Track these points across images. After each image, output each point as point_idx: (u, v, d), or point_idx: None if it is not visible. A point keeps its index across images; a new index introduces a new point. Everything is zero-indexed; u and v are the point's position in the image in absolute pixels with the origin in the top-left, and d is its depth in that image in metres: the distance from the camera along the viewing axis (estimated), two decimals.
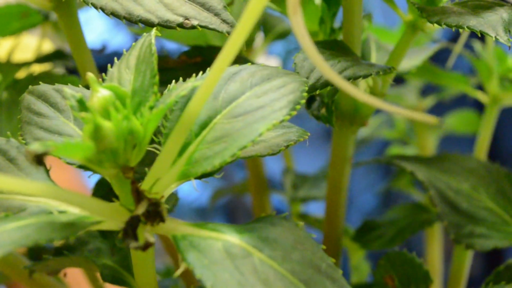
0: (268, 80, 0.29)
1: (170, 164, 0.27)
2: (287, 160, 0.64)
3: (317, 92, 0.35)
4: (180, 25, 0.33)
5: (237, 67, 0.30)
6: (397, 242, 0.47)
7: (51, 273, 0.41)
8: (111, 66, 0.30)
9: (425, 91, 0.72)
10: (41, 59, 0.57)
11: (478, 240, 0.43)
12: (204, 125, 0.28)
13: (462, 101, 0.80)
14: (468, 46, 0.55)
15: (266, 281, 0.25)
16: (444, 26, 0.33)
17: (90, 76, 0.26)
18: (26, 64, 0.56)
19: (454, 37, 0.63)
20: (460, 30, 0.34)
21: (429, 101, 0.70)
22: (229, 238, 0.26)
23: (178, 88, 0.27)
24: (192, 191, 1.44)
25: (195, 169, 0.27)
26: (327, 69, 0.25)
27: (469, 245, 0.43)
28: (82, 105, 0.26)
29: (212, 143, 0.28)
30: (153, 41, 0.29)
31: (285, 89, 0.29)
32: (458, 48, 0.52)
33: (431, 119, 0.22)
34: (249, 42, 0.51)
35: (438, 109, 0.78)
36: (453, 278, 0.51)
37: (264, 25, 0.54)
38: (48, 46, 0.63)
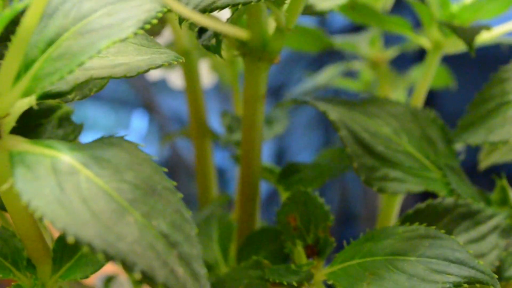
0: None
1: (13, 80, 0.27)
2: (237, 105, 0.63)
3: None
4: None
5: None
6: (317, 184, 0.46)
7: None
8: None
9: (389, 42, 0.70)
10: None
11: (391, 184, 0.42)
12: (51, 42, 0.28)
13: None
14: None
15: (87, 198, 0.24)
16: None
17: None
18: None
19: None
20: None
21: (392, 52, 0.69)
22: (59, 155, 0.26)
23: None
24: None
25: (37, 86, 0.27)
26: None
27: (381, 188, 0.42)
28: None
29: (56, 60, 0.27)
30: None
31: (139, 8, 0.28)
32: None
33: (241, 32, 0.22)
34: None
35: (404, 61, 0.77)
36: (381, 222, 0.50)
37: None
38: None
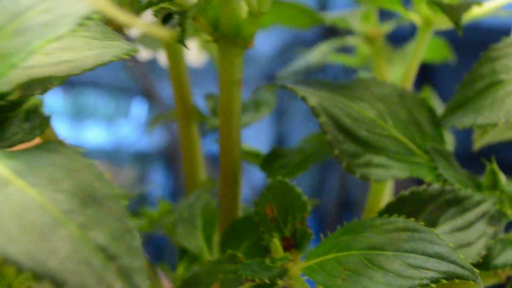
0: None
1: None
2: None
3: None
4: None
5: None
6: (301, 170, 0.45)
7: None
8: None
9: (387, 16, 0.68)
10: None
11: (375, 170, 0.41)
12: None
13: None
14: None
15: (17, 211, 0.23)
16: None
17: None
18: None
19: None
20: None
21: (388, 26, 0.66)
22: None
23: None
24: (130, 135, 1.42)
25: None
26: None
27: (364, 175, 0.40)
28: None
29: None
30: None
31: (81, 4, 0.26)
32: None
33: (165, 32, 0.20)
34: None
35: (404, 35, 0.74)
36: (368, 210, 0.48)
37: None
38: None
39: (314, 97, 0.41)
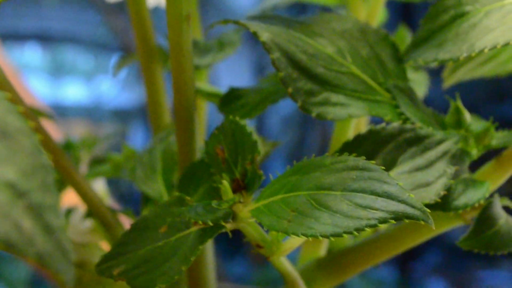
0: None
1: None
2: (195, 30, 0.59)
3: None
4: None
5: None
6: (259, 110, 0.43)
7: None
8: None
9: None
10: None
11: (332, 109, 0.39)
12: None
13: None
14: None
15: None
16: None
17: None
18: None
19: None
20: None
21: None
22: None
23: None
24: (110, 90, 1.40)
25: None
26: None
27: (320, 114, 0.39)
28: None
29: None
30: None
31: None
32: None
33: None
34: None
35: None
36: (332, 150, 0.47)
37: None
38: None
39: (266, 33, 0.39)
